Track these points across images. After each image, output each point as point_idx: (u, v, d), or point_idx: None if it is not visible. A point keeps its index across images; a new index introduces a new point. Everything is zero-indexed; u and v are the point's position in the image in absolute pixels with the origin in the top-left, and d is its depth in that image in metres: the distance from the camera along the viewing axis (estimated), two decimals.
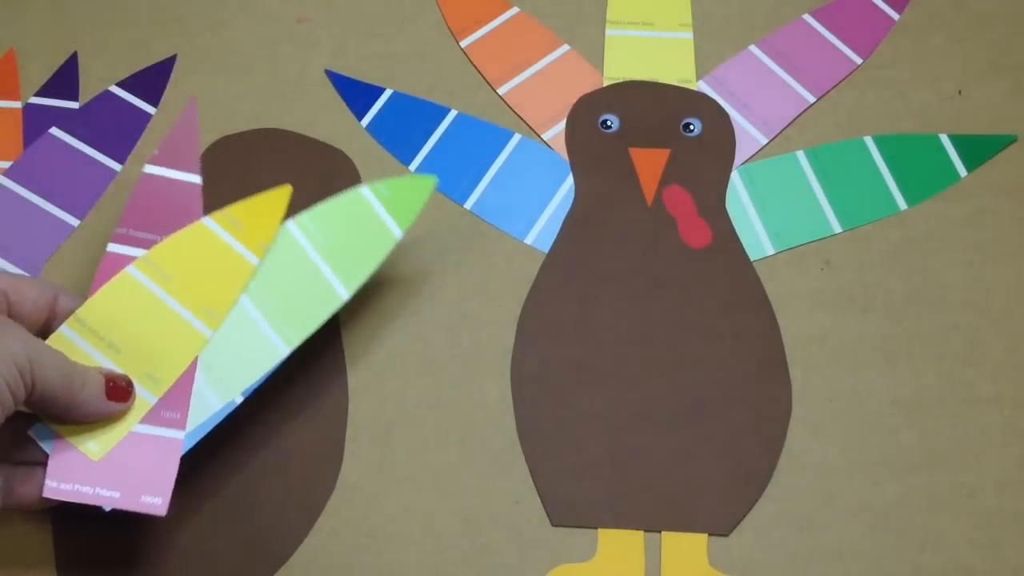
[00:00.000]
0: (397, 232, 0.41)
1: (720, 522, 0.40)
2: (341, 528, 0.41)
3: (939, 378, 0.43)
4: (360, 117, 0.49)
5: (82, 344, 0.37)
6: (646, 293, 0.45)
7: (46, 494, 0.35)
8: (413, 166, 0.48)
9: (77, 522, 0.41)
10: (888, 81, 0.49)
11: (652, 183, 0.47)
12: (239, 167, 0.48)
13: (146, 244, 0.39)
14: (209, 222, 0.40)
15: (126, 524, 0.41)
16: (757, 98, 0.49)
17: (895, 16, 0.51)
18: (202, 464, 0.41)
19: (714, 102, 0.49)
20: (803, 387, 0.43)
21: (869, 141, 0.47)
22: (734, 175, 0.47)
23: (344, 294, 0.40)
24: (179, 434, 0.37)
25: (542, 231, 0.46)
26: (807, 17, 0.51)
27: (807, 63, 0.50)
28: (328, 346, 0.44)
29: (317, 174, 0.48)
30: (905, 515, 0.40)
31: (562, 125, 0.49)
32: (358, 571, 0.40)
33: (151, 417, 0.37)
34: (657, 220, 0.46)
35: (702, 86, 0.49)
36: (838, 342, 0.44)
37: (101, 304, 0.38)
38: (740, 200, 0.47)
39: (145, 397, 0.37)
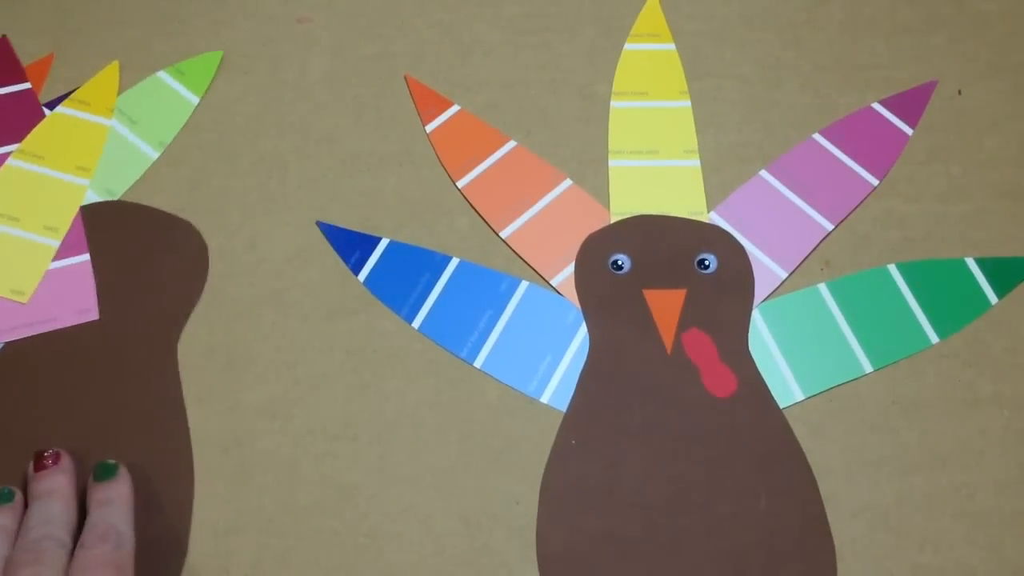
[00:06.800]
0: (193, 98, 0.51)
1: None
2: (341, 528, 0.41)
3: (939, 378, 0.43)
4: (356, 271, 0.46)
5: None
6: (673, 450, 0.42)
7: (0, 340, 0.44)
8: (416, 323, 0.45)
9: None
10: (888, 81, 0.49)
11: (670, 328, 0.44)
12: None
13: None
14: (62, 109, 0.50)
15: None
16: (773, 229, 0.46)
17: (908, 131, 0.48)
18: None
19: (728, 235, 0.46)
20: None
21: (894, 270, 0.45)
22: (755, 314, 0.45)
23: (152, 153, 0.49)
24: (85, 257, 0.46)
25: (558, 387, 0.44)
26: (817, 137, 0.49)
27: (821, 187, 0.47)
28: (171, 436, 0.43)
29: (164, 245, 0.47)
30: (905, 515, 0.40)
31: (571, 269, 0.46)
32: (358, 571, 0.40)
33: (58, 256, 0.46)
34: (678, 369, 0.44)
35: (714, 217, 0.47)
36: None
37: None
38: (764, 341, 0.44)
39: (50, 243, 0.47)
